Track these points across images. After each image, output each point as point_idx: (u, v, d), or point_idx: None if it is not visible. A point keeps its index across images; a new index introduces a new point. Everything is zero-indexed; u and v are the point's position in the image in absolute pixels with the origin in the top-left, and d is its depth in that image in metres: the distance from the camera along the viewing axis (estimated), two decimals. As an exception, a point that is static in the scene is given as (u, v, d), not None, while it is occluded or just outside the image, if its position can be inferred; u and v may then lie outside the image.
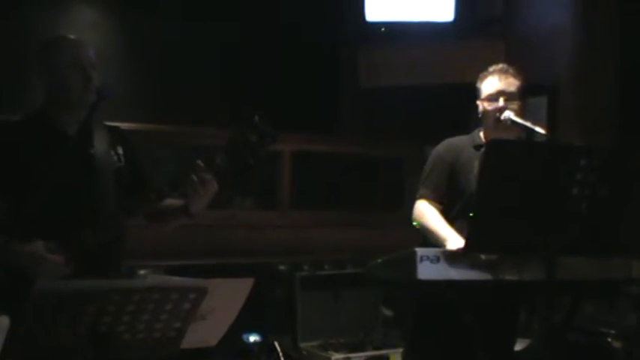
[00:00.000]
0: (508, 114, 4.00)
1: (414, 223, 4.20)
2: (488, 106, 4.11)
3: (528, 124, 3.92)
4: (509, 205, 3.35)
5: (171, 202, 3.44)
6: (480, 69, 4.31)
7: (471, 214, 3.47)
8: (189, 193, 3.33)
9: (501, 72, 4.15)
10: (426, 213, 4.11)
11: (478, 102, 4.18)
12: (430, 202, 4.15)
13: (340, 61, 9.09)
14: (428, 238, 4.05)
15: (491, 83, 4.13)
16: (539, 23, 7.53)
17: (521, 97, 4.13)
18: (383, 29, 8.15)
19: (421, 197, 4.19)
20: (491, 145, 3.63)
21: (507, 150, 3.44)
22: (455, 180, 4.17)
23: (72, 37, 3.57)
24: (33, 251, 3.13)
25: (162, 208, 3.43)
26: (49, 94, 3.44)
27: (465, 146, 4.23)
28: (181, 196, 3.39)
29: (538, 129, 3.85)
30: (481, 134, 4.22)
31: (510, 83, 4.11)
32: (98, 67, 3.43)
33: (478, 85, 4.20)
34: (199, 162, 3.28)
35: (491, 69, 4.21)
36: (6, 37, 8.35)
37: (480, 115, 4.20)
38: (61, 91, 3.39)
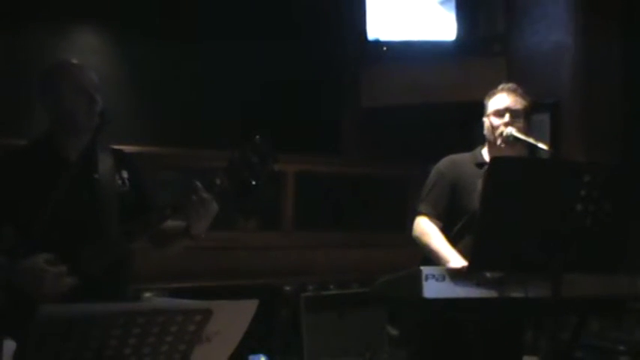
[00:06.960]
0: (510, 130, 4.00)
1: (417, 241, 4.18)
2: (494, 121, 4.10)
3: (531, 140, 3.93)
4: (514, 222, 3.34)
5: (173, 224, 3.42)
6: (482, 87, 4.31)
7: (475, 232, 3.47)
8: (190, 215, 3.32)
9: (510, 90, 4.16)
10: (428, 231, 4.08)
11: (484, 118, 4.17)
12: (431, 219, 4.12)
13: (342, 81, 9.10)
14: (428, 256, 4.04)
15: (499, 100, 4.13)
16: (541, 41, 7.55)
17: (526, 117, 4.12)
18: (385, 49, 8.17)
19: (421, 214, 4.16)
20: (495, 162, 3.61)
21: (510, 167, 3.43)
22: (456, 198, 4.14)
23: (74, 61, 3.56)
24: (33, 265, 3.12)
25: (164, 230, 3.42)
26: (54, 120, 3.42)
27: (466, 163, 4.21)
28: (183, 218, 3.37)
29: (541, 145, 3.86)
30: (483, 152, 4.21)
31: (517, 101, 4.11)
32: (100, 90, 3.42)
33: (485, 101, 4.19)
34: (198, 183, 3.27)
35: (500, 87, 4.21)
36: (7, 62, 8.40)
37: (485, 132, 4.19)
38: (67, 117, 3.37)
